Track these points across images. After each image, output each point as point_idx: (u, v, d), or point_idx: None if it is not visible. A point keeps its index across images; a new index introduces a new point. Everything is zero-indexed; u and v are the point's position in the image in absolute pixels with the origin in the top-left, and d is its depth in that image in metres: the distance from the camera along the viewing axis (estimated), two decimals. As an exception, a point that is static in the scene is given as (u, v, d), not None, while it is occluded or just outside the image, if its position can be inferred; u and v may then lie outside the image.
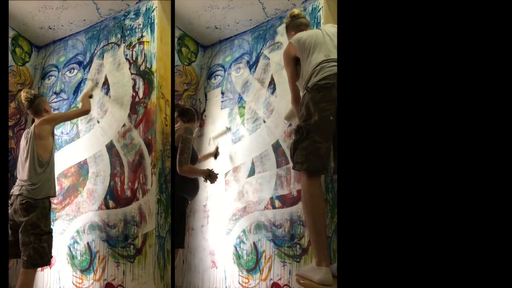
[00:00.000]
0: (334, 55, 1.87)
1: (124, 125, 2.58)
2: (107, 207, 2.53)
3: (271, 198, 2.54)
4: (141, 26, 2.63)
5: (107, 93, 2.71)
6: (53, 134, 2.44)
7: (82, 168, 2.69)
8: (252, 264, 2.56)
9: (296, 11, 2.30)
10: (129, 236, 2.42)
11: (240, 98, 2.87)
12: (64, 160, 2.76)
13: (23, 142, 2.42)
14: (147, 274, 2.32)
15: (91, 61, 2.84)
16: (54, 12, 2.79)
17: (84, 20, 2.86)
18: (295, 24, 2.23)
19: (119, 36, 2.74)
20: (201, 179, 2.58)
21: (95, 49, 2.84)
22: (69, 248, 2.63)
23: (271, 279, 2.45)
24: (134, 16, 2.68)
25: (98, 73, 2.78)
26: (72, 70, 2.93)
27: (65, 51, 3.01)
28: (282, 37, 2.72)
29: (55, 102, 2.94)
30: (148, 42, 2.57)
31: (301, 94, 1.95)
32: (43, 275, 2.69)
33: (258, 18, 2.84)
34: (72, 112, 2.65)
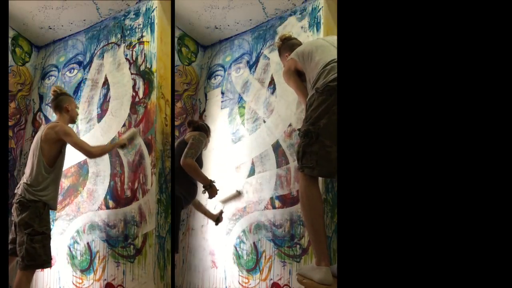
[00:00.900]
0: None
1: (124, 125, 2.58)
2: (107, 207, 2.53)
3: (271, 198, 2.54)
4: (141, 26, 2.63)
5: (107, 93, 2.71)
6: (60, 147, 2.35)
7: (82, 168, 2.69)
8: (252, 264, 2.56)
9: (286, 34, 2.37)
10: (129, 236, 2.42)
11: (240, 98, 2.87)
12: (64, 160, 2.76)
13: (34, 140, 2.40)
14: (147, 274, 2.32)
15: (91, 61, 2.84)
16: (54, 12, 2.79)
17: (84, 20, 2.86)
18: (288, 46, 2.27)
19: (119, 36, 2.74)
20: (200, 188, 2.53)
21: (95, 49, 2.84)
22: (69, 248, 2.63)
23: (271, 279, 2.45)
24: (134, 16, 2.68)
25: (98, 73, 2.78)
26: (72, 70, 2.93)
27: (65, 51, 3.01)
28: (282, 37, 2.72)
29: (55, 102, 2.94)
30: (148, 42, 2.57)
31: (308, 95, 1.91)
32: (43, 275, 2.69)
33: (258, 18, 2.84)
34: (85, 144, 2.39)
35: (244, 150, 2.75)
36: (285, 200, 2.49)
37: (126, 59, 2.66)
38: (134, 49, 2.64)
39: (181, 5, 2.74)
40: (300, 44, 2.24)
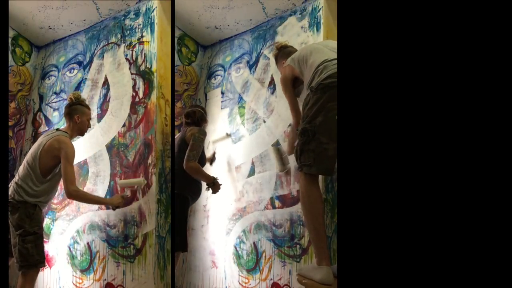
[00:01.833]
0: (334, 57, 1.87)
1: (124, 125, 2.58)
2: (107, 207, 2.53)
3: (271, 198, 2.54)
4: (141, 26, 2.63)
5: (107, 93, 2.71)
6: (59, 161, 2.28)
7: (82, 168, 2.69)
8: (252, 264, 2.56)
9: (282, 42, 2.40)
10: (129, 236, 2.42)
11: (240, 98, 2.87)
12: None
13: (36, 144, 2.34)
14: (147, 274, 2.32)
15: (91, 61, 2.84)
16: (54, 12, 2.79)
17: (84, 20, 2.86)
18: (285, 53, 2.31)
19: (119, 36, 2.74)
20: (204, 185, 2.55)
21: (95, 49, 2.84)
22: (69, 248, 2.63)
23: (271, 279, 2.45)
24: (134, 16, 2.68)
25: (98, 73, 2.78)
26: (72, 70, 2.93)
27: (65, 51, 3.01)
28: (282, 37, 2.72)
29: (55, 102, 2.94)
30: (148, 42, 2.57)
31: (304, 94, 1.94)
32: (43, 275, 2.69)
33: (258, 18, 2.84)
34: (71, 177, 2.24)
35: (244, 150, 2.75)
36: (285, 200, 2.49)
37: (126, 59, 2.66)
38: (134, 49, 2.64)
39: (181, 5, 2.74)
40: (296, 51, 2.26)
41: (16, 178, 2.30)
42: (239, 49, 2.99)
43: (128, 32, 2.69)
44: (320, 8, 2.51)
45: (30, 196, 2.23)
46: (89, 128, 2.46)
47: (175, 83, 2.87)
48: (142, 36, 2.61)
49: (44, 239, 2.33)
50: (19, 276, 2.23)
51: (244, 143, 2.77)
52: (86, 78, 2.83)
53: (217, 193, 2.53)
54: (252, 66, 2.86)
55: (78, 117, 2.37)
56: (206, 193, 2.84)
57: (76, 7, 2.74)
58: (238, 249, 2.64)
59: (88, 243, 2.57)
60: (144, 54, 2.58)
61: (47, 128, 2.91)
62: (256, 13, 2.78)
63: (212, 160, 2.83)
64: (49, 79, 3.03)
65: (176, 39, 2.96)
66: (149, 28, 2.59)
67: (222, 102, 2.99)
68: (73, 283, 2.58)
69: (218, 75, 3.07)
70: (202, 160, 2.59)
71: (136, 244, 2.39)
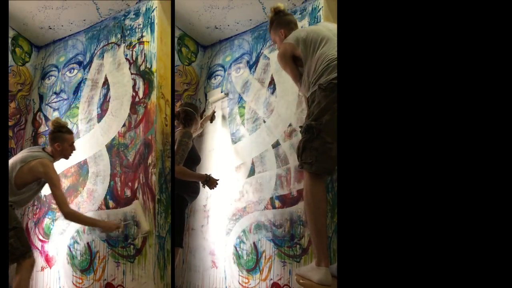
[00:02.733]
0: None
1: (124, 125, 2.58)
2: (107, 207, 2.53)
3: (271, 198, 2.54)
4: (141, 26, 2.63)
5: (107, 93, 2.71)
6: (38, 181, 2.31)
7: (82, 168, 2.69)
8: (252, 264, 2.56)
9: (281, 6, 2.18)
10: (129, 236, 2.42)
11: (240, 98, 2.87)
12: (64, 160, 2.75)
13: (20, 154, 2.35)
14: (147, 274, 2.32)
15: (91, 61, 2.84)
16: (54, 12, 2.79)
17: (84, 20, 2.86)
18: (283, 22, 2.14)
19: (119, 36, 2.74)
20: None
21: (95, 49, 2.84)
22: (69, 248, 2.63)
23: (271, 279, 2.45)
24: (134, 16, 2.68)
25: (98, 73, 2.78)
26: (72, 70, 2.93)
27: (65, 51, 3.01)
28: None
29: (55, 102, 2.94)
30: (148, 42, 2.57)
31: (309, 90, 1.86)
32: (43, 275, 2.69)
33: (258, 18, 2.84)
34: (64, 200, 2.31)
35: (244, 150, 2.75)
36: (285, 200, 2.48)
37: (126, 59, 2.66)
38: (134, 49, 2.64)
39: (181, 5, 2.74)
40: (295, 22, 2.15)
41: None
42: (239, 49, 2.99)
43: (128, 32, 2.69)
44: (320, 8, 2.51)
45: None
46: (74, 151, 2.45)
47: (175, 83, 2.87)
48: (142, 36, 2.61)
49: (25, 232, 2.35)
50: (14, 274, 2.24)
51: (244, 143, 2.77)
52: (86, 78, 2.83)
53: (214, 188, 2.54)
54: (252, 66, 2.86)
55: (58, 145, 2.38)
56: (206, 193, 2.85)
57: (76, 7, 2.74)
58: (238, 249, 2.64)
59: (88, 243, 2.57)
60: (144, 54, 2.58)
61: (47, 128, 2.91)
62: (256, 13, 2.78)
63: (212, 118, 2.92)
64: (49, 79, 3.03)
65: (176, 39, 2.96)
66: (149, 28, 2.59)
67: (222, 102, 2.99)
68: (73, 283, 2.58)
69: (218, 75, 3.07)
70: (196, 159, 2.61)
71: (136, 244, 2.39)
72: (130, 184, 2.48)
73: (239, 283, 2.59)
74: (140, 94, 2.55)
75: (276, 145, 2.60)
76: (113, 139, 2.60)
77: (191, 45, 3.12)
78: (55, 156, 2.39)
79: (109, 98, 2.68)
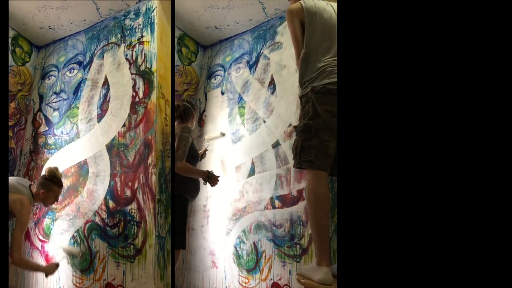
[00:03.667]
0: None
1: (124, 125, 2.58)
2: (107, 207, 2.53)
3: (271, 198, 2.54)
4: (141, 26, 2.63)
5: (107, 93, 2.71)
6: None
7: (82, 168, 2.69)
8: (252, 264, 2.56)
9: None
10: (129, 236, 2.42)
11: (240, 98, 2.87)
12: (64, 160, 2.76)
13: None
14: (147, 274, 2.32)
15: (91, 61, 2.84)
16: (54, 12, 2.79)
17: (84, 20, 2.86)
18: None
19: (119, 36, 2.74)
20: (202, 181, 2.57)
21: (95, 49, 2.84)
22: (69, 248, 2.63)
23: (271, 279, 2.45)
24: (134, 16, 2.68)
25: (98, 73, 2.78)
26: (72, 70, 2.93)
27: (65, 51, 3.01)
28: (282, 37, 2.72)
29: (55, 102, 2.94)
30: (148, 42, 2.57)
31: (302, 89, 1.89)
32: (43, 275, 2.69)
33: (258, 18, 2.84)
34: (19, 243, 2.32)
35: (244, 150, 2.75)
36: (285, 200, 2.48)
37: (126, 59, 2.66)
38: (134, 49, 2.64)
39: (181, 5, 2.74)
40: None
41: None
42: (239, 49, 2.99)
43: (128, 32, 2.69)
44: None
45: None
46: (56, 202, 2.51)
47: (175, 83, 2.87)
48: (142, 36, 2.61)
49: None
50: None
51: (244, 143, 2.77)
52: (86, 78, 2.83)
53: (216, 185, 2.53)
54: (252, 66, 2.86)
55: (43, 192, 2.42)
56: (206, 193, 2.85)
57: (76, 7, 2.74)
58: (238, 249, 2.64)
59: (88, 243, 2.57)
60: (144, 54, 2.58)
61: (47, 128, 2.91)
62: (256, 13, 2.78)
63: (202, 156, 2.82)
64: (49, 79, 3.03)
65: (176, 39, 2.96)
66: (149, 28, 2.59)
67: (222, 102, 2.99)
68: (73, 283, 2.58)
69: (218, 75, 3.07)
70: (196, 155, 2.60)
71: (136, 244, 2.39)
72: (130, 184, 2.48)
73: (239, 283, 2.59)
74: (140, 94, 2.55)
75: (276, 145, 2.60)
76: (113, 139, 2.60)
77: (191, 45, 3.12)
78: (36, 199, 2.44)
79: (109, 98, 2.68)
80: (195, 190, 2.58)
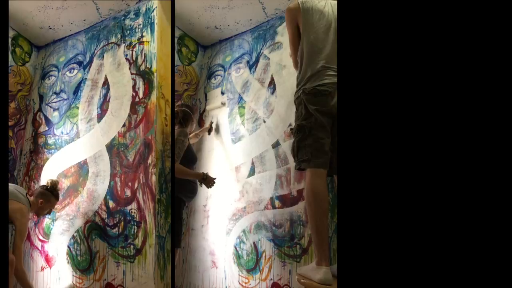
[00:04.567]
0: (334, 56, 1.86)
1: (124, 125, 2.58)
2: (107, 207, 2.53)
3: (271, 198, 2.54)
4: (141, 26, 2.63)
5: (107, 93, 2.71)
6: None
7: (82, 168, 2.69)
8: (252, 264, 2.56)
9: None
10: (129, 236, 2.42)
11: (240, 98, 2.87)
12: (64, 160, 2.76)
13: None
14: (147, 274, 2.32)
15: (91, 61, 2.84)
16: (54, 12, 2.79)
17: (84, 20, 2.86)
18: None
19: (119, 36, 2.74)
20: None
21: (95, 49, 2.84)
22: (69, 248, 2.63)
23: (271, 279, 2.45)
24: (134, 16, 2.68)
25: (98, 73, 2.78)
26: (72, 70, 2.93)
27: (65, 51, 3.01)
28: (282, 37, 2.72)
29: (55, 102, 2.94)
30: (148, 42, 2.57)
31: (296, 91, 1.92)
32: (43, 275, 2.69)
33: (258, 18, 2.84)
34: (20, 250, 2.35)
35: (244, 150, 2.75)
36: (285, 200, 2.48)
37: (126, 59, 2.66)
38: (134, 49, 2.64)
39: (181, 5, 2.74)
40: None
41: None
42: (239, 49, 2.99)
43: (128, 32, 2.69)
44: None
45: None
46: (48, 215, 2.57)
47: (175, 83, 2.87)
48: (142, 36, 2.61)
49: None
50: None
51: (244, 143, 2.77)
52: (86, 78, 2.83)
53: (211, 187, 2.56)
54: (252, 66, 2.86)
55: (41, 202, 2.47)
56: (206, 193, 2.85)
57: (76, 7, 2.74)
58: (238, 249, 2.64)
59: (88, 243, 2.57)
60: (144, 54, 2.58)
61: (47, 128, 2.91)
62: (256, 13, 2.78)
63: (210, 130, 2.92)
64: (49, 79, 3.03)
65: (176, 39, 2.96)
66: (149, 28, 2.59)
67: (222, 102, 2.99)
68: (73, 283, 2.58)
69: (218, 75, 3.07)
70: (193, 158, 2.62)
71: (136, 244, 2.39)
72: (130, 184, 2.48)
73: (239, 283, 2.59)
74: (140, 94, 2.55)
75: (276, 145, 2.60)
76: (113, 139, 2.60)
77: (191, 45, 3.12)
78: (32, 208, 2.47)
79: (109, 98, 2.68)
80: (192, 191, 2.60)
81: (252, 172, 2.67)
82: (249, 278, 2.55)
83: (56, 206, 2.71)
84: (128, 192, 2.48)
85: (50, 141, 2.87)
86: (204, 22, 2.92)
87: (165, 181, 2.46)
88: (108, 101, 2.68)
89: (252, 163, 2.68)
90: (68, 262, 2.62)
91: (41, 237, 2.75)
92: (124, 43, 2.70)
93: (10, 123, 2.93)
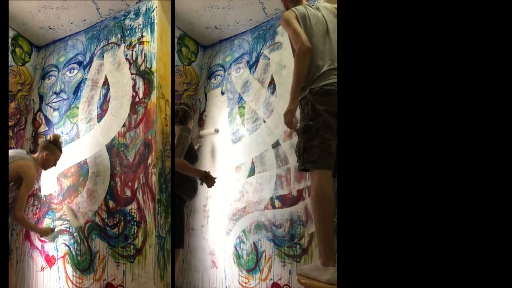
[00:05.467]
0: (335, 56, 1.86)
1: (124, 125, 2.58)
2: (107, 207, 2.53)
3: (271, 198, 2.54)
4: (141, 26, 2.63)
5: (107, 93, 2.71)
6: (12, 180, 2.40)
7: (82, 168, 2.69)
8: (252, 264, 2.56)
9: None
10: (129, 236, 2.42)
11: (240, 98, 2.87)
12: (64, 160, 2.76)
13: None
14: (147, 274, 2.32)
15: (91, 61, 2.84)
16: (54, 12, 2.79)
17: (84, 20, 2.86)
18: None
19: (119, 36, 2.74)
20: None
21: (95, 49, 2.84)
22: (69, 248, 2.63)
23: (271, 279, 2.45)
24: (134, 16, 2.68)
25: (98, 73, 2.78)
26: (72, 70, 2.93)
27: (65, 51, 3.01)
28: (282, 37, 2.72)
29: (55, 102, 2.94)
30: (148, 42, 2.57)
31: (301, 93, 1.90)
32: (43, 275, 2.69)
33: (258, 18, 2.84)
34: (22, 204, 2.45)
35: (244, 150, 2.75)
36: (285, 200, 2.48)
37: (126, 59, 2.66)
38: (134, 49, 2.64)
39: (181, 5, 2.74)
40: None
41: None
42: (239, 49, 2.99)
43: (128, 32, 2.69)
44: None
45: None
46: (53, 167, 2.62)
47: (175, 83, 2.87)
48: (142, 36, 2.61)
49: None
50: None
51: (244, 143, 2.77)
52: (86, 78, 2.83)
53: (212, 186, 2.55)
54: (252, 66, 2.86)
55: (47, 154, 2.55)
56: (206, 193, 2.85)
57: (76, 7, 2.74)
58: (238, 249, 2.64)
59: (88, 243, 2.57)
60: (144, 54, 2.58)
61: (47, 128, 2.91)
62: (256, 13, 2.78)
63: (204, 180, 2.73)
64: (49, 79, 3.03)
65: (176, 39, 2.96)
66: (149, 28, 2.59)
67: (222, 102, 2.99)
68: (73, 283, 2.58)
69: (218, 75, 3.07)
70: (195, 155, 2.62)
71: (136, 244, 2.39)
72: (130, 184, 2.48)
73: (239, 283, 2.59)
74: (140, 94, 2.55)
75: (276, 145, 2.60)
76: (113, 139, 2.60)
77: (191, 45, 3.12)
78: (37, 163, 2.54)
79: (109, 98, 2.68)
80: (193, 190, 2.59)
81: (252, 172, 2.67)
82: (249, 278, 2.55)
83: (56, 206, 2.72)
84: (128, 192, 2.48)
85: (50, 141, 2.87)
86: (204, 22, 2.92)
87: (165, 181, 2.46)
88: (108, 101, 2.68)
89: (252, 163, 2.68)
90: (68, 262, 2.62)
91: (41, 237, 2.75)
92: (124, 43, 2.70)
93: (10, 123, 2.93)
